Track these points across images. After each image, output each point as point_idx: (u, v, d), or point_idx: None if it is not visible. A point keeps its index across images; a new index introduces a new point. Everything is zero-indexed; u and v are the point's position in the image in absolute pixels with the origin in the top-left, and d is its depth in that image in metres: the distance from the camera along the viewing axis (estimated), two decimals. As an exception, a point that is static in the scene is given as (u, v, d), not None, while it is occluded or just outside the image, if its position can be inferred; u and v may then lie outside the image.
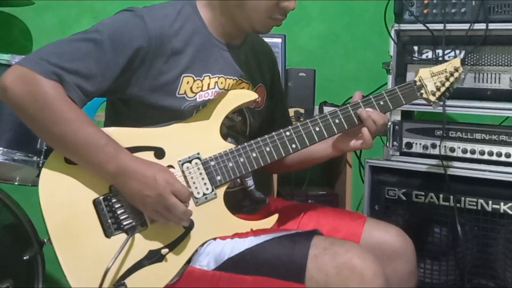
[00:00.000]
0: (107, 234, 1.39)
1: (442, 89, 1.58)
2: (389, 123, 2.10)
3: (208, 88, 1.50)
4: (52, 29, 2.63)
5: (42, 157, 1.85)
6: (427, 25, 2.03)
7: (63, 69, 1.35)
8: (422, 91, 1.58)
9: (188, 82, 1.47)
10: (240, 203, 1.61)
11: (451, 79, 1.59)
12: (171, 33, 1.45)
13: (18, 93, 1.34)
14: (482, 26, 1.96)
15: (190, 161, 1.45)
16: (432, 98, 1.58)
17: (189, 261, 1.42)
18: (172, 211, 1.35)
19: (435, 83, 1.58)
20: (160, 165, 1.41)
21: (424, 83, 1.58)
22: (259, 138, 1.49)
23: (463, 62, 1.62)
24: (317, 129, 1.50)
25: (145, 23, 1.42)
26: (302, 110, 2.30)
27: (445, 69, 1.59)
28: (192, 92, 1.48)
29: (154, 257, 1.39)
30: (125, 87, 1.44)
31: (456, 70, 1.59)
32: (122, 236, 1.39)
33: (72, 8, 2.64)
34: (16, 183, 2.08)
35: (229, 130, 1.57)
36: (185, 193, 1.37)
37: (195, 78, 1.48)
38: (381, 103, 1.53)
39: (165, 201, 1.34)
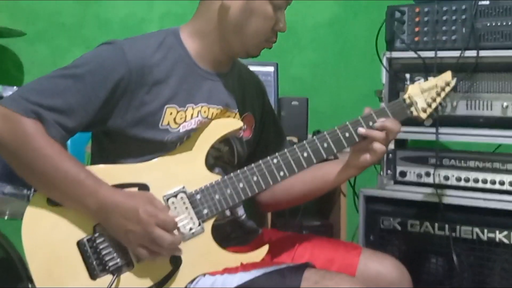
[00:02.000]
0: (93, 276, 1.36)
1: (434, 105, 1.55)
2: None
3: (192, 118, 1.49)
4: (44, 60, 2.63)
5: (32, 189, 1.84)
6: (419, 52, 2.04)
7: (42, 107, 1.35)
8: (412, 108, 1.55)
9: (171, 113, 1.46)
10: (231, 234, 1.58)
11: (442, 94, 1.56)
12: (152, 63, 1.44)
13: None
14: (473, 53, 1.97)
15: (175, 196, 1.42)
16: (423, 116, 1.55)
17: (179, 299, 1.39)
18: (158, 244, 1.32)
19: (425, 100, 1.55)
20: (142, 195, 1.39)
21: (414, 100, 1.54)
22: (245, 168, 1.46)
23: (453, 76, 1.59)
24: (305, 154, 1.48)
25: (124, 54, 1.42)
26: (295, 139, 2.29)
27: (436, 84, 1.56)
28: (176, 123, 1.46)
29: None
30: (107, 120, 1.43)
31: (448, 84, 1.56)
32: (108, 278, 1.36)
33: (64, 38, 2.65)
34: (6, 217, 2.06)
35: (216, 160, 1.55)
36: (171, 223, 1.34)
37: (179, 109, 1.47)
38: (370, 123, 1.51)
39: (150, 234, 1.31)
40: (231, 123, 1.54)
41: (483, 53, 1.96)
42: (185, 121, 1.47)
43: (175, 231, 1.37)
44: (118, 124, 1.44)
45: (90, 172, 1.37)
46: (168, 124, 1.46)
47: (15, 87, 1.92)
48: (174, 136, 1.46)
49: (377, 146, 1.48)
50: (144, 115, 1.44)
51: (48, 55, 2.64)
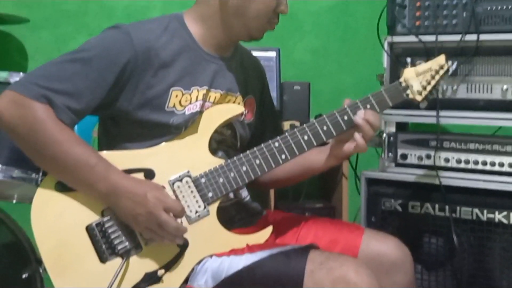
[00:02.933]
0: (102, 260, 1.40)
1: (428, 87, 1.57)
2: (384, 135, 2.11)
3: (196, 100, 1.51)
4: (48, 47, 2.65)
5: (40, 174, 1.85)
6: (420, 36, 2.05)
7: (52, 91, 1.37)
8: (408, 91, 1.57)
9: (177, 96, 1.48)
10: (235, 216, 1.61)
11: (437, 77, 1.58)
12: (158, 47, 1.46)
13: (10, 118, 1.36)
14: (473, 37, 1.98)
15: (180, 180, 1.45)
16: (419, 98, 1.57)
17: (186, 280, 1.42)
18: (164, 228, 1.36)
19: (421, 83, 1.57)
20: (151, 182, 1.42)
21: (410, 83, 1.57)
22: (248, 151, 1.49)
23: (447, 59, 1.60)
24: (306, 137, 1.51)
25: (131, 38, 1.44)
26: (297, 123, 2.31)
27: (430, 67, 1.58)
28: (181, 105, 1.49)
29: (150, 279, 1.39)
30: (115, 103, 1.46)
31: (442, 67, 1.58)
32: (118, 261, 1.39)
33: (68, 25, 2.66)
34: (14, 201, 2.09)
35: (219, 144, 1.58)
36: (178, 209, 1.37)
37: (184, 92, 1.49)
38: (368, 106, 1.53)
39: (157, 218, 1.35)
40: (233, 108, 1.57)
41: (483, 36, 1.97)
42: (190, 103, 1.50)
43: (180, 220, 1.40)
44: (125, 107, 1.46)
45: (101, 157, 1.40)
46: (174, 106, 1.48)
47: (21, 73, 1.94)
48: (180, 118, 1.48)
49: (360, 141, 1.49)
50: (150, 97, 1.46)
51: (52, 42, 2.65)
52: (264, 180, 1.71)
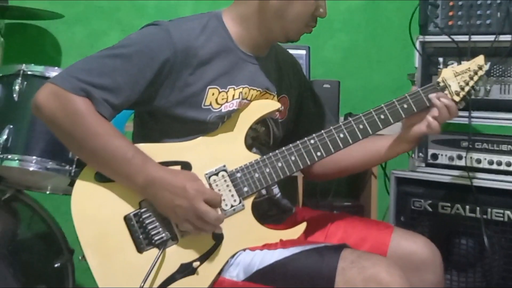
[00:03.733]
0: (139, 250, 1.42)
1: (467, 88, 1.56)
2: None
3: (233, 99, 1.52)
4: (81, 42, 2.69)
5: (74, 166, 1.88)
6: (452, 36, 2.04)
7: (92, 85, 1.39)
8: (446, 92, 1.56)
9: (213, 94, 1.50)
10: (267, 212, 1.62)
11: (475, 77, 1.56)
12: (197, 46, 1.48)
13: (50, 110, 1.40)
14: (507, 37, 1.96)
15: (216, 174, 1.47)
16: (457, 99, 1.56)
17: (220, 272, 1.44)
18: (204, 219, 1.37)
19: (459, 83, 1.56)
20: (188, 173, 1.44)
21: (448, 83, 1.56)
22: (284, 148, 1.50)
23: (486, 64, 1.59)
24: (342, 135, 1.51)
25: (170, 36, 1.45)
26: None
27: (469, 67, 1.57)
28: (218, 103, 1.50)
29: (186, 270, 1.41)
30: (152, 99, 1.47)
31: (480, 68, 1.57)
32: (154, 251, 1.41)
33: (100, 21, 2.70)
34: (47, 192, 2.13)
35: (253, 141, 1.59)
36: (216, 199, 1.39)
37: (220, 90, 1.51)
38: (405, 106, 1.53)
39: (197, 210, 1.36)
40: (270, 104, 1.57)
41: (517, 37, 1.96)
42: (226, 101, 1.51)
43: (218, 210, 1.41)
44: (162, 104, 1.48)
45: (138, 150, 1.42)
46: (210, 104, 1.49)
47: (56, 67, 1.98)
48: (216, 115, 1.50)
49: (434, 122, 1.51)
50: (188, 95, 1.48)
51: (85, 38, 2.70)
52: (327, 169, 1.70)
